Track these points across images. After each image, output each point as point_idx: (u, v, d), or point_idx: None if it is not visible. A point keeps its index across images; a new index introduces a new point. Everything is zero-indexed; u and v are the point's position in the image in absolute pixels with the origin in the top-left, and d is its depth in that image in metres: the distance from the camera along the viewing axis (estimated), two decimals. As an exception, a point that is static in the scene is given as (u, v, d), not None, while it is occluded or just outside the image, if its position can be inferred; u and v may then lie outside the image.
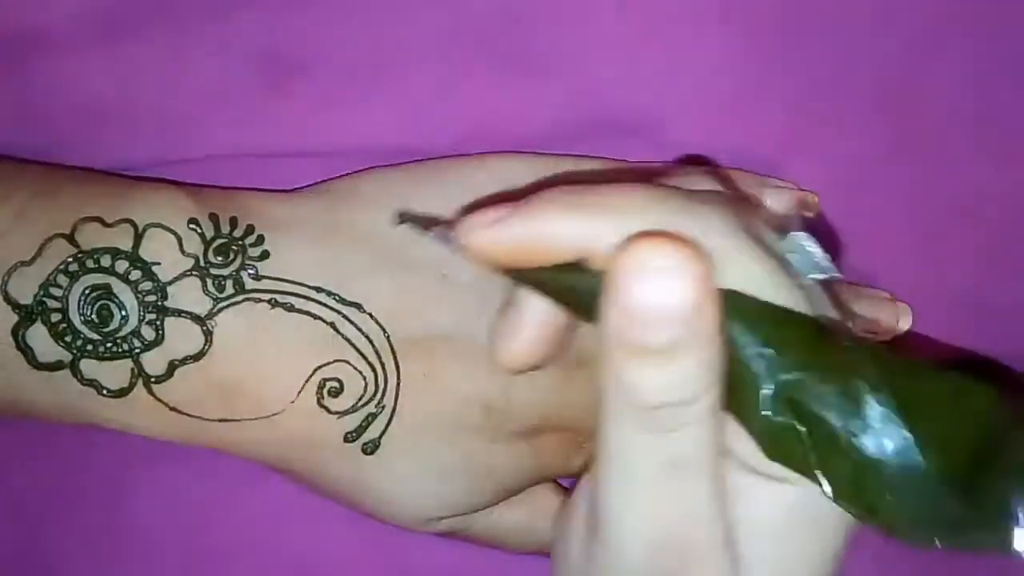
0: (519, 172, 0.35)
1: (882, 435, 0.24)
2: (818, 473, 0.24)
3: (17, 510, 0.39)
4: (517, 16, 0.35)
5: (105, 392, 0.33)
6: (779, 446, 0.25)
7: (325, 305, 0.33)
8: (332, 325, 0.33)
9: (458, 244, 0.28)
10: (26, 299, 0.32)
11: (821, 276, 0.27)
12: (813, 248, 0.27)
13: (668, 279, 0.23)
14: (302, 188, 0.36)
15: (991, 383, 0.25)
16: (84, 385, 0.33)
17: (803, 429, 0.24)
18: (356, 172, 0.36)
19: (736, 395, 0.25)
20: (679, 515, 0.25)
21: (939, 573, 0.41)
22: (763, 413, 0.25)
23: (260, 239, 0.34)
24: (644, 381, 0.24)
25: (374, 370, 0.34)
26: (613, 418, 0.25)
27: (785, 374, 0.24)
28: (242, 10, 0.35)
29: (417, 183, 0.35)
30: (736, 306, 0.25)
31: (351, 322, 0.33)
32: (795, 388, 0.24)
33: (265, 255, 0.33)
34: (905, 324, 0.38)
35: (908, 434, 0.24)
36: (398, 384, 0.34)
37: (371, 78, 0.36)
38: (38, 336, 0.32)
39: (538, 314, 0.30)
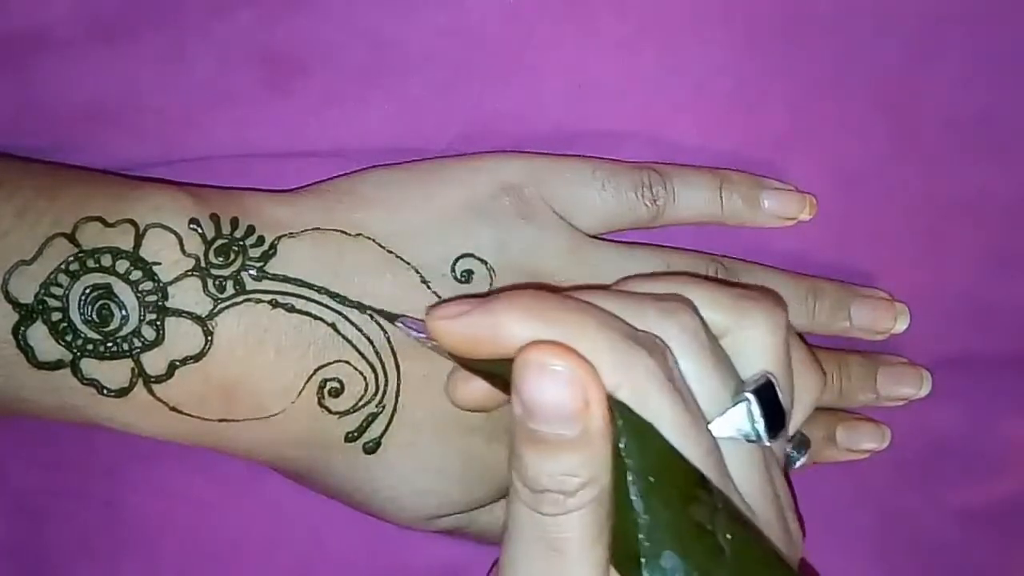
0: (519, 172, 0.35)
1: None
2: None
3: (17, 508, 0.39)
4: (516, 16, 0.35)
5: (105, 392, 0.33)
6: (626, 560, 0.27)
7: (326, 306, 0.33)
8: (333, 326, 0.33)
9: (423, 332, 0.30)
10: (27, 298, 0.32)
11: (750, 437, 0.29)
12: (755, 413, 0.29)
13: (555, 380, 0.26)
14: (302, 188, 0.36)
15: None
16: (84, 384, 0.33)
17: (646, 558, 0.27)
18: (356, 172, 0.36)
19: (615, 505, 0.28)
20: None
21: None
22: (629, 529, 0.27)
23: (261, 240, 0.34)
24: (533, 464, 0.27)
25: (374, 370, 0.34)
26: (512, 489, 0.28)
27: (653, 508, 0.27)
28: (242, 10, 0.35)
29: (417, 183, 0.35)
30: (631, 429, 0.27)
31: (351, 323, 0.33)
32: (659, 525, 0.27)
33: (266, 256, 0.33)
34: (903, 324, 0.39)
35: None
36: (398, 384, 0.34)
37: (371, 78, 0.36)
38: (39, 335, 0.32)
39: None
